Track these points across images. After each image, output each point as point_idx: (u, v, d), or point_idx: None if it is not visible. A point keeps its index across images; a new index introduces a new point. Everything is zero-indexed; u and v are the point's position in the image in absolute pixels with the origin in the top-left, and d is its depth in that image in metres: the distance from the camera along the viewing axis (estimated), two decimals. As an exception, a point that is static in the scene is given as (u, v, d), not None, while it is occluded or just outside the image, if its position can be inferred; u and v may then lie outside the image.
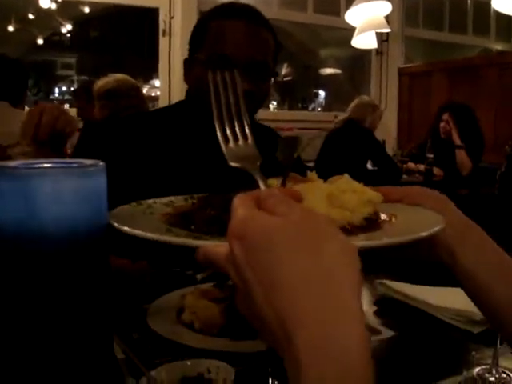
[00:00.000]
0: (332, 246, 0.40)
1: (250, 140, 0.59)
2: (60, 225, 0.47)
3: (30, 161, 0.48)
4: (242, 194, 0.44)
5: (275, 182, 0.62)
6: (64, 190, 0.47)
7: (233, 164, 0.55)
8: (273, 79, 1.27)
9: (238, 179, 0.55)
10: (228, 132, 0.59)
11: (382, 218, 0.65)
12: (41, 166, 0.48)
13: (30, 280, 0.48)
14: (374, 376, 0.36)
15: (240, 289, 0.42)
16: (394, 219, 0.64)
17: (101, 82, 2.88)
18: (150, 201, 0.72)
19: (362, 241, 0.55)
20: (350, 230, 0.58)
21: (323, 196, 0.60)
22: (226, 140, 0.58)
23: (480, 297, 0.65)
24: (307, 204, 0.55)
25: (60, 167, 0.48)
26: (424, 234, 0.56)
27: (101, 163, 0.49)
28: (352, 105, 3.98)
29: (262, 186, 0.51)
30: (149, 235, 0.53)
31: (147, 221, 0.63)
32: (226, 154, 0.57)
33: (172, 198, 0.74)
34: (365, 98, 4.17)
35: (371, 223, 0.61)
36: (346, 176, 0.67)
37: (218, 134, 0.58)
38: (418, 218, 0.63)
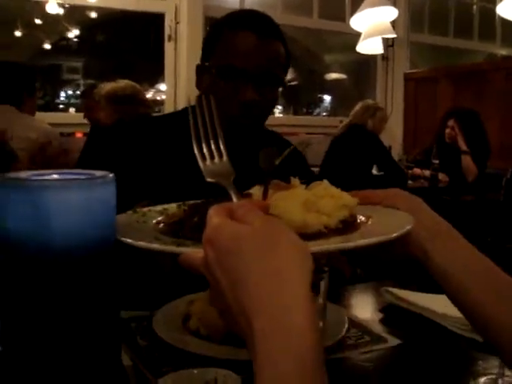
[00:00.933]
0: (287, 249, 0.47)
1: (224, 157, 0.65)
2: (69, 236, 0.47)
3: (41, 171, 0.49)
4: (216, 205, 0.51)
5: (258, 188, 0.69)
6: (73, 201, 0.47)
7: (209, 179, 0.62)
8: (281, 88, 1.28)
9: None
10: (205, 150, 0.65)
11: (360, 219, 0.70)
12: (51, 177, 0.48)
13: (40, 288, 0.48)
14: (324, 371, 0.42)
15: (213, 286, 0.49)
16: (370, 221, 0.69)
17: (108, 87, 2.88)
18: (145, 209, 0.78)
19: (334, 243, 0.60)
20: (326, 233, 0.63)
21: (300, 202, 0.65)
22: (203, 158, 0.65)
23: (455, 296, 0.67)
24: (284, 210, 0.62)
25: (69, 179, 0.48)
26: (395, 235, 0.61)
27: (110, 175, 0.50)
28: (355, 108, 3.97)
29: (234, 199, 0.57)
30: (129, 241, 0.57)
31: (139, 229, 0.68)
32: (204, 170, 0.63)
33: (166, 206, 0.79)
34: (368, 101, 4.13)
35: (348, 225, 0.66)
36: (325, 182, 0.73)
37: (196, 152, 0.65)
38: (391, 219, 0.68)
